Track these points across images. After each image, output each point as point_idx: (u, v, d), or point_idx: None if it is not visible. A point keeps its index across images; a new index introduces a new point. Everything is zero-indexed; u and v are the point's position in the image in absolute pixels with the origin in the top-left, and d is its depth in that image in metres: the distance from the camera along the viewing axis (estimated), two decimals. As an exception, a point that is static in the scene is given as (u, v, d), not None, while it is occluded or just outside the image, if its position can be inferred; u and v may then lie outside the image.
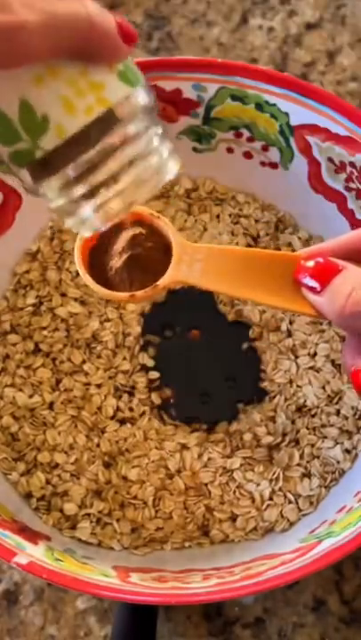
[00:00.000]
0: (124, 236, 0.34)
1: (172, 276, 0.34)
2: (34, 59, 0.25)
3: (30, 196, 0.29)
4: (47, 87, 0.26)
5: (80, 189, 0.28)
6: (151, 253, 0.35)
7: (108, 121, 0.27)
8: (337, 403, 0.46)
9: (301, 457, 0.45)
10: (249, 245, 0.49)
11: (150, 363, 0.48)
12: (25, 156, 0.27)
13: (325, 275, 0.32)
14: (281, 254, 0.35)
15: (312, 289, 0.32)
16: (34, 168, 0.27)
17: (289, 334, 0.48)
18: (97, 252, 0.35)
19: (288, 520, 0.43)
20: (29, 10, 0.24)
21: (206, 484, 0.44)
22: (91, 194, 0.28)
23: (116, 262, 0.34)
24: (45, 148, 0.27)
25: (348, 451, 0.45)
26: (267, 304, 0.35)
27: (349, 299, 0.31)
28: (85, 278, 0.34)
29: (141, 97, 0.28)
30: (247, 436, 0.45)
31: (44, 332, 0.47)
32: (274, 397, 0.46)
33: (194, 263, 0.34)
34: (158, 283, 0.34)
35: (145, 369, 0.47)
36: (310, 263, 0.33)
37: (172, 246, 0.34)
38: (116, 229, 0.34)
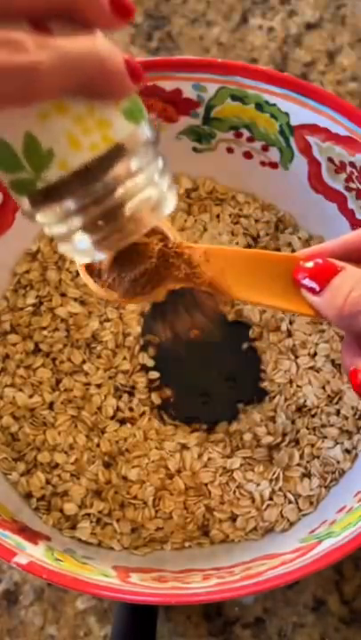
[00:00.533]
0: None
1: (175, 279, 0.34)
2: (44, 97, 0.25)
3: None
4: (54, 123, 0.26)
5: (78, 221, 0.28)
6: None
7: (111, 156, 0.27)
8: (337, 403, 0.46)
9: (301, 457, 0.45)
10: (249, 245, 0.49)
11: (150, 363, 0.48)
12: (25, 186, 0.27)
13: (324, 275, 0.32)
14: (280, 255, 0.35)
15: (311, 289, 0.32)
16: (34, 197, 0.28)
17: (289, 334, 0.48)
18: None
19: (288, 520, 0.43)
20: (43, 49, 0.24)
21: (206, 484, 0.44)
22: (88, 226, 0.28)
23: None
24: (47, 180, 0.27)
25: (348, 451, 0.45)
26: (266, 305, 0.34)
27: (348, 299, 0.31)
28: (86, 279, 0.34)
29: (145, 132, 0.29)
30: (247, 436, 0.45)
31: (44, 332, 0.47)
32: (274, 397, 0.46)
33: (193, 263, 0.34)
34: (159, 285, 0.34)
35: (145, 369, 0.47)
36: (309, 264, 0.33)
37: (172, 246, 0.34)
38: None
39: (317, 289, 0.32)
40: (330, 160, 0.45)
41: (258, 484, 0.44)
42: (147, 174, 0.29)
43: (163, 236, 0.34)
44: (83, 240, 0.29)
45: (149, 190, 0.29)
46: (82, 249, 0.29)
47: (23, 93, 0.24)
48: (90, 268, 0.35)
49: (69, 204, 0.27)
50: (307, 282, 0.32)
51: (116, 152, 0.27)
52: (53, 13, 0.25)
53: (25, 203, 0.28)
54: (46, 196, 0.27)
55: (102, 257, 0.30)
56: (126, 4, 0.26)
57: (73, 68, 0.25)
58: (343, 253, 0.33)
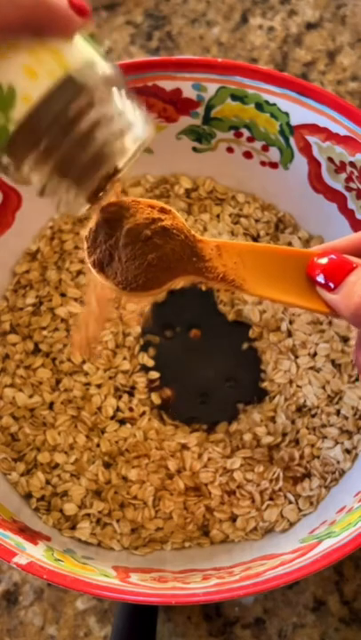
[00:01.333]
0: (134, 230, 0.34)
1: (187, 272, 0.33)
2: None
3: (23, 187, 0.30)
4: (8, 59, 0.28)
5: (55, 159, 0.29)
6: (161, 247, 0.34)
7: (70, 89, 0.29)
8: (337, 403, 0.46)
9: (301, 457, 0.45)
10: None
11: (150, 363, 0.48)
12: (0, 134, 0.28)
13: (339, 272, 0.32)
14: (294, 250, 0.35)
15: (326, 286, 0.32)
16: (10, 150, 0.29)
17: (289, 334, 0.48)
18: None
19: (288, 520, 0.43)
20: None
21: (206, 484, 0.44)
22: (65, 163, 0.29)
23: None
24: (16, 118, 0.28)
25: (348, 451, 0.45)
26: (280, 301, 0.34)
27: None
28: (98, 276, 0.34)
29: (101, 66, 0.30)
30: (247, 436, 0.45)
31: (44, 332, 0.47)
32: (274, 397, 0.46)
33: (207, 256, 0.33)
34: (175, 279, 0.33)
35: (145, 369, 0.47)
36: (323, 260, 0.32)
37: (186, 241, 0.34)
38: (125, 224, 0.34)
39: (332, 286, 0.32)
40: (330, 160, 0.45)
41: (258, 484, 0.44)
42: (111, 106, 0.29)
43: (179, 230, 0.33)
44: (64, 183, 0.30)
45: (116, 120, 0.30)
46: (71, 198, 0.30)
47: None
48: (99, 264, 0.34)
49: (41, 143, 0.28)
50: (321, 278, 0.32)
51: (75, 85, 0.29)
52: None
53: (9, 164, 0.29)
54: (19, 146, 0.28)
55: (93, 206, 0.31)
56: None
57: (17, 8, 0.27)
58: (357, 251, 0.33)
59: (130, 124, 0.30)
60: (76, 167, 0.29)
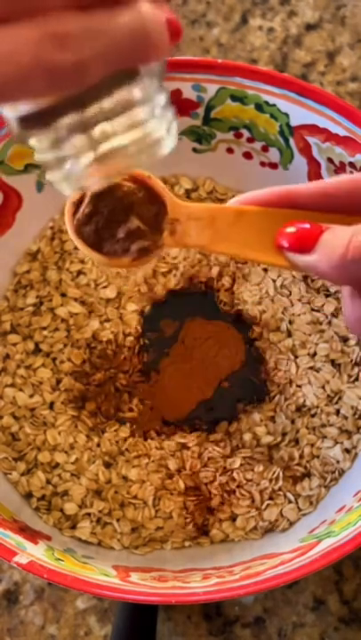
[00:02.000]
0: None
1: (169, 239, 0.33)
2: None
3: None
4: None
5: (71, 148, 0.27)
6: (145, 217, 0.34)
7: (115, 79, 0.26)
8: (337, 402, 0.46)
9: (301, 457, 0.45)
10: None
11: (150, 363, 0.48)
12: None
13: (311, 236, 0.31)
14: (273, 211, 0.34)
15: (300, 251, 0.31)
16: (27, 116, 0.26)
17: (289, 334, 0.48)
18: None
19: (288, 520, 0.44)
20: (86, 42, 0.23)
21: (206, 484, 0.44)
22: (84, 149, 0.27)
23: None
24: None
25: (347, 450, 0.45)
26: (243, 257, 0.34)
27: (350, 244, 0.29)
28: (82, 247, 0.33)
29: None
30: (247, 436, 0.45)
31: (45, 332, 0.47)
32: (274, 397, 0.47)
33: (190, 223, 0.33)
34: (158, 246, 0.33)
35: (145, 369, 0.48)
36: (292, 229, 0.32)
37: (167, 207, 0.34)
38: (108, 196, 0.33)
39: (308, 249, 0.31)
40: (330, 160, 0.45)
41: (258, 484, 0.44)
42: (149, 105, 0.27)
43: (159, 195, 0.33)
44: (73, 167, 0.27)
45: (150, 123, 0.27)
46: (70, 176, 0.28)
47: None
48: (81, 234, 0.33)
49: (63, 127, 0.26)
50: (294, 246, 0.31)
51: (121, 76, 0.26)
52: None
53: (14, 123, 0.26)
54: (40, 118, 0.26)
55: (89, 187, 0.29)
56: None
57: (122, 52, 0.24)
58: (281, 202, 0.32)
59: (163, 133, 0.28)
60: (89, 154, 0.27)
